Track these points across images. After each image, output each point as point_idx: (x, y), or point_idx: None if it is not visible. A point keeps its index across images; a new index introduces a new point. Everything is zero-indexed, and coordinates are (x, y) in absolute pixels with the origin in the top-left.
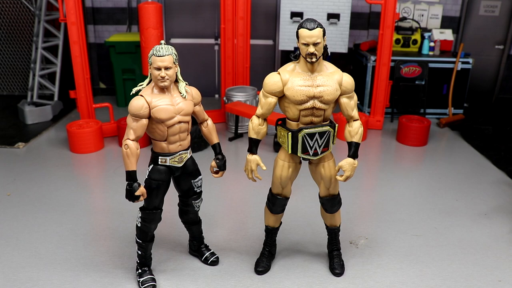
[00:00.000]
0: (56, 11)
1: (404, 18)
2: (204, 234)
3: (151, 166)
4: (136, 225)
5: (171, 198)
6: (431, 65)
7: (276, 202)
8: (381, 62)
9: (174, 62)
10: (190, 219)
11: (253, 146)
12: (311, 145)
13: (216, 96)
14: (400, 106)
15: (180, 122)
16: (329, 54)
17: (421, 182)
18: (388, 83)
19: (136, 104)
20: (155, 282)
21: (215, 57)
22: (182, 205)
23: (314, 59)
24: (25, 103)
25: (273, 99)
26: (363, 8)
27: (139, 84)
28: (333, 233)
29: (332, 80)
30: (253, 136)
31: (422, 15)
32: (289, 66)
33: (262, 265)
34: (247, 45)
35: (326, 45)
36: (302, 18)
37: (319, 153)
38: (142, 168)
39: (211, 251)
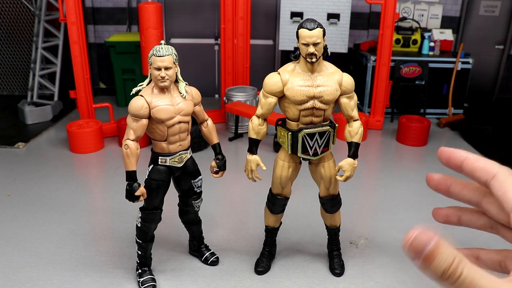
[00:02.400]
0: (56, 11)
1: (404, 18)
2: (204, 234)
3: (151, 166)
4: (136, 225)
5: (171, 198)
6: (431, 65)
7: (276, 202)
8: (381, 62)
9: (174, 62)
10: (190, 219)
11: (253, 146)
12: (311, 145)
13: (216, 96)
14: (400, 106)
15: (180, 122)
16: (329, 54)
17: (421, 182)
18: (388, 83)
19: (136, 104)
20: (155, 282)
21: (215, 57)
22: (182, 205)
23: (314, 59)
24: (25, 103)
25: (273, 99)
26: (363, 8)
27: (139, 84)
28: (333, 233)
29: (332, 80)
30: (253, 136)
31: (422, 15)
32: (289, 66)
33: (262, 265)
34: (247, 45)
35: (326, 45)
36: (302, 18)
37: (319, 153)
38: (142, 168)
39: (211, 251)
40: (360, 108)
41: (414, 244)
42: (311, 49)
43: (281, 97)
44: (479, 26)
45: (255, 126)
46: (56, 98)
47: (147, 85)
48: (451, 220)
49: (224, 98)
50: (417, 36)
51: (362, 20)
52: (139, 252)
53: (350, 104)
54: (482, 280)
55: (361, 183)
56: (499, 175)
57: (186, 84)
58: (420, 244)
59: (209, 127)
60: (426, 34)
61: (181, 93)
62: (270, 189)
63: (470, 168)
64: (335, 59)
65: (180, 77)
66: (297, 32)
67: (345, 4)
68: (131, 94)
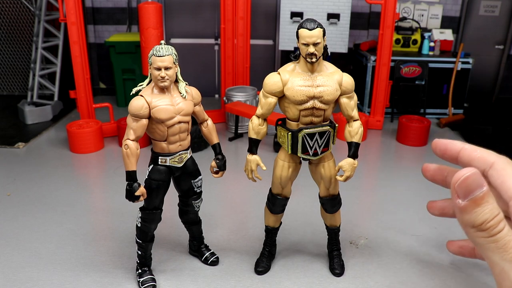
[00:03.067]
0: (56, 11)
1: (404, 18)
2: (204, 234)
3: (151, 166)
4: (136, 225)
5: (171, 198)
6: (431, 65)
7: (276, 202)
8: (381, 62)
9: (174, 62)
10: (190, 219)
11: (253, 146)
12: (311, 145)
13: (216, 96)
14: (400, 106)
15: (180, 122)
16: (329, 54)
17: (421, 182)
18: (388, 83)
19: (136, 104)
20: (155, 282)
21: (215, 57)
22: (182, 205)
23: (314, 59)
24: (25, 103)
25: (273, 99)
26: (363, 8)
27: (139, 84)
28: (333, 233)
29: (332, 80)
30: (253, 136)
31: (422, 15)
32: (289, 66)
33: (262, 265)
34: (247, 45)
35: (326, 45)
36: (302, 18)
37: (319, 153)
38: (142, 168)
39: (211, 251)
40: (360, 108)
41: (467, 182)
42: (311, 49)
43: (281, 97)
44: (479, 26)
45: (255, 126)
46: (56, 98)
47: (147, 85)
48: (446, 213)
49: (224, 98)
50: (417, 36)
51: (362, 20)
52: (139, 252)
53: (350, 104)
54: None
55: (361, 183)
56: (496, 164)
57: (186, 84)
58: (473, 184)
59: (209, 127)
60: (426, 34)
61: (181, 93)
62: (270, 189)
63: (467, 158)
64: (335, 59)
65: (180, 77)
66: (297, 32)
67: (345, 4)
68: (131, 94)
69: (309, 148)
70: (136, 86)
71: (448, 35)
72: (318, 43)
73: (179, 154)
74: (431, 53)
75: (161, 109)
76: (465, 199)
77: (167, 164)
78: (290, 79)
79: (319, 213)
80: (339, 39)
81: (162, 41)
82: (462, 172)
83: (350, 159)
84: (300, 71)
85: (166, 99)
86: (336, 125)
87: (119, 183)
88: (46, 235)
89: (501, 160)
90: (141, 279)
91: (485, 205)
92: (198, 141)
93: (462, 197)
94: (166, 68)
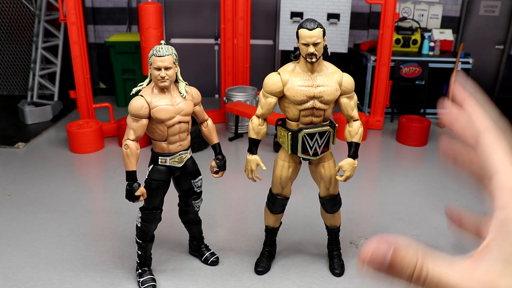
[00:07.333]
0: (56, 11)
1: (404, 18)
2: (204, 234)
3: (151, 166)
4: (136, 225)
5: (171, 198)
6: (431, 65)
7: (276, 202)
8: (381, 62)
9: (174, 62)
10: (190, 219)
11: (253, 146)
12: (311, 145)
13: (216, 96)
14: (400, 106)
15: (180, 122)
16: (329, 54)
17: (421, 182)
18: (388, 83)
19: (136, 104)
20: (155, 282)
21: (215, 57)
22: (182, 205)
23: (314, 59)
24: (25, 103)
25: (273, 99)
26: (363, 8)
27: (139, 84)
28: (333, 233)
29: (332, 80)
30: (253, 136)
31: (422, 15)
32: (289, 66)
33: (262, 265)
34: (247, 45)
35: (326, 45)
36: (302, 18)
37: (319, 153)
38: (142, 168)
39: (211, 251)
40: (360, 108)
41: (373, 258)
42: (311, 49)
43: (281, 97)
44: (479, 26)
45: (255, 126)
46: (56, 98)
47: (147, 85)
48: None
49: (224, 98)
50: (417, 36)
51: (362, 20)
52: (139, 252)
53: (350, 104)
54: (448, 275)
55: (361, 183)
56: (484, 138)
57: (186, 84)
58: (378, 256)
59: (209, 127)
60: (426, 34)
61: (181, 93)
62: (270, 189)
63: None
64: (335, 59)
65: (180, 77)
66: (297, 32)
67: (345, 4)
68: (131, 94)
69: (309, 148)
70: (136, 86)
71: (448, 35)
72: (318, 43)
73: (179, 154)
74: (431, 53)
75: (161, 109)
76: (383, 271)
77: (167, 164)
78: (290, 79)
79: (319, 213)
80: (339, 39)
81: (162, 41)
82: (365, 251)
83: (350, 159)
84: (300, 71)
85: (166, 99)
86: (336, 125)
87: (119, 183)
88: (46, 235)
89: (490, 134)
90: (141, 279)
91: (401, 263)
92: (198, 141)
93: (380, 270)
94: (166, 68)
